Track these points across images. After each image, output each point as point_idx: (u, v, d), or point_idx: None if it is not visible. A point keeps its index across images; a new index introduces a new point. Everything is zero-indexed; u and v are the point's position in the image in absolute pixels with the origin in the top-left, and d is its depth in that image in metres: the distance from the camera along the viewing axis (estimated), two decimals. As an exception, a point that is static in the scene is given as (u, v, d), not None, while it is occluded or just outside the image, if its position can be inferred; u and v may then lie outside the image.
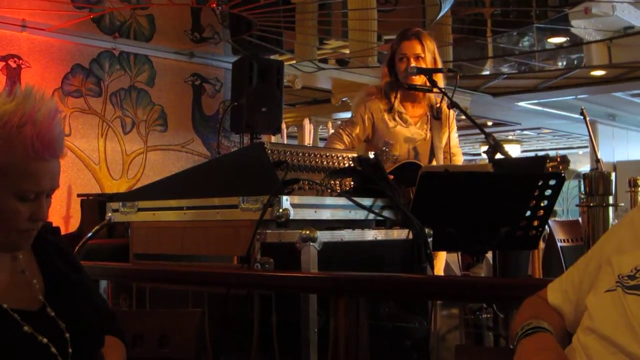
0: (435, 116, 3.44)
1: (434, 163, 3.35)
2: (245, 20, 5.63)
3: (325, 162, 2.35)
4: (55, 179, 1.38)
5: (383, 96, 3.42)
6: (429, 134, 3.42)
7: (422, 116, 3.45)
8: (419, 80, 3.34)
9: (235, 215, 2.09)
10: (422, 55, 3.36)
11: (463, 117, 3.25)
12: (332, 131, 3.68)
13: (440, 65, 3.38)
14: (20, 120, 1.31)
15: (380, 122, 3.38)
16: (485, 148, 2.77)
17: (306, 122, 6.39)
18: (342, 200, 2.23)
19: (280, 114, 5.66)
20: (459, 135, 3.77)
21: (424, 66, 3.32)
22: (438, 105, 3.42)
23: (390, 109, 3.39)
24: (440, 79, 3.34)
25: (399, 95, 3.40)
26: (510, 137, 15.39)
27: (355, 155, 2.45)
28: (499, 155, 2.73)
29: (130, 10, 5.64)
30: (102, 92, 5.50)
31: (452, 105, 3.10)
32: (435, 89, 3.27)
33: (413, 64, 3.32)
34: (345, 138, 3.37)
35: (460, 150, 3.62)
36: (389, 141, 3.35)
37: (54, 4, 5.12)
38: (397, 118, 3.39)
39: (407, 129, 3.40)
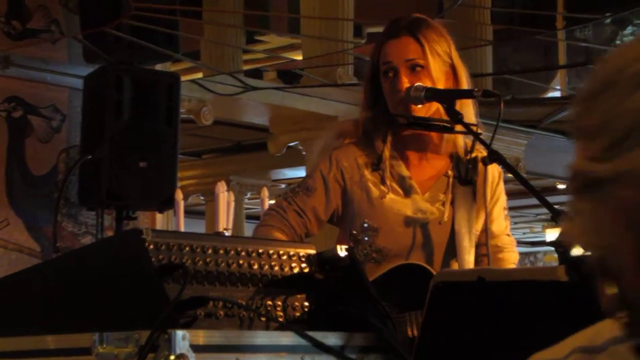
0: (463, 177, 3.45)
1: (455, 266, 3.37)
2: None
3: (256, 266, 2.36)
4: None
5: (364, 140, 3.44)
6: (448, 211, 3.43)
7: (438, 177, 3.47)
8: (430, 109, 3.39)
9: (87, 369, 2.10)
10: (422, 62, 3.37)
11: (510, 176, 3.31)
12: (270, 203, 3.66)
13: (464, 77, 3.41)
14: None
15: (358, 187, 3.37)
16: (552, 234, 2.83)
17: (221, 187, 6.42)
18: (287, 337, 2.25)
19: (174, 172, 5.69)
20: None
21: (428, 80, 3.33)
22: (468, 156, 3.44)
23: (378, 165, 3.40)
24: (469, 108, 3.41)
25: (389, 139, 3.40)
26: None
27: (313, 251, 2.47)
28: (577, 249, 2.78)
29: None
30: None
31: (492, 157, 3.16)
32: (455, 127, 3.31)
33: (418, 82, 3.33)
34: (293, 217, 3.33)
35: (514, 240, 3.62)
36: (371, 224, 3.34)
37: None
38: (388, 181, 3.39)
39: (408, 202, 3.39)
